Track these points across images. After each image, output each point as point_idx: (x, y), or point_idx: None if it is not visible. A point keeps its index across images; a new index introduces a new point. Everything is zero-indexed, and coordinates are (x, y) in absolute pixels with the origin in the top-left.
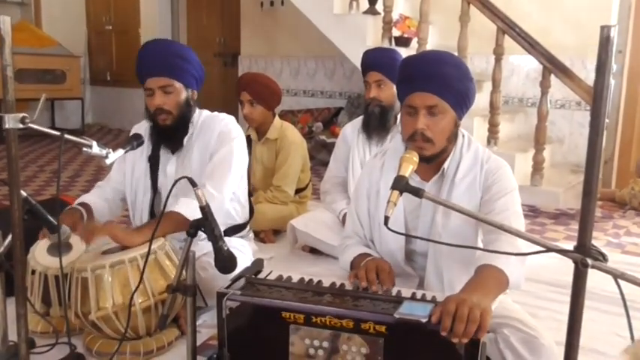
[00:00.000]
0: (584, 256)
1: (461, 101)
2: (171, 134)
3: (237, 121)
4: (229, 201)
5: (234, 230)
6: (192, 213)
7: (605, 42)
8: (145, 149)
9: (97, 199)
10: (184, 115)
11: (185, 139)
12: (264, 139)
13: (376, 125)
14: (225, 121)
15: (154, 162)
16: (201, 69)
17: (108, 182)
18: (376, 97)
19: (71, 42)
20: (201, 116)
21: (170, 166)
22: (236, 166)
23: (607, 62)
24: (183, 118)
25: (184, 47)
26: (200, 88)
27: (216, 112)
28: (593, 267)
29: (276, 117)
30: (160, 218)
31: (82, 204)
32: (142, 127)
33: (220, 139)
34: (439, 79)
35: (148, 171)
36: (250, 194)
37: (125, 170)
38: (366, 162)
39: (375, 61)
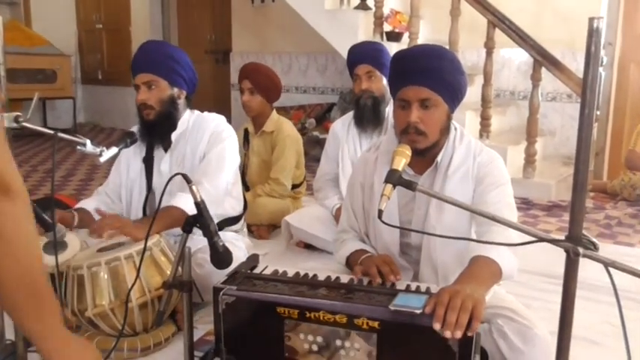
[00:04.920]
0: (575, 245)
1: (453, 94)
2: (157, 129)
3: (231, 118)
4: (223, 195)
5: (227, 223)
6: (191, 207)
7: (593, 34)
8: (139, 150)
9: (97, 204)
10: (167, 111)
11: (174, 136)
12: (260, 132)
13: (370, 117)
14: (217, 122)
15: (148, 163)
16: (192, 71)
17: (106, 186)
18: (368, 88)
19: (61, 41)
20: (192, 116)
21: (164, 164)
22: (229, 163)
23: (595, 54)
24: (166, 114)
25: (176, 49)
26: (191, 90)
27: (206, 113)
28: (584, 256)
29: (274, 111)
30: (155, 214)
31: (79, 209)
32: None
33: (213, 138)
34: (431, 73)
35: (143, 171)
36: (247, 189)
37: (121, 171)
38: (356, 158)
39: (363, 53)
